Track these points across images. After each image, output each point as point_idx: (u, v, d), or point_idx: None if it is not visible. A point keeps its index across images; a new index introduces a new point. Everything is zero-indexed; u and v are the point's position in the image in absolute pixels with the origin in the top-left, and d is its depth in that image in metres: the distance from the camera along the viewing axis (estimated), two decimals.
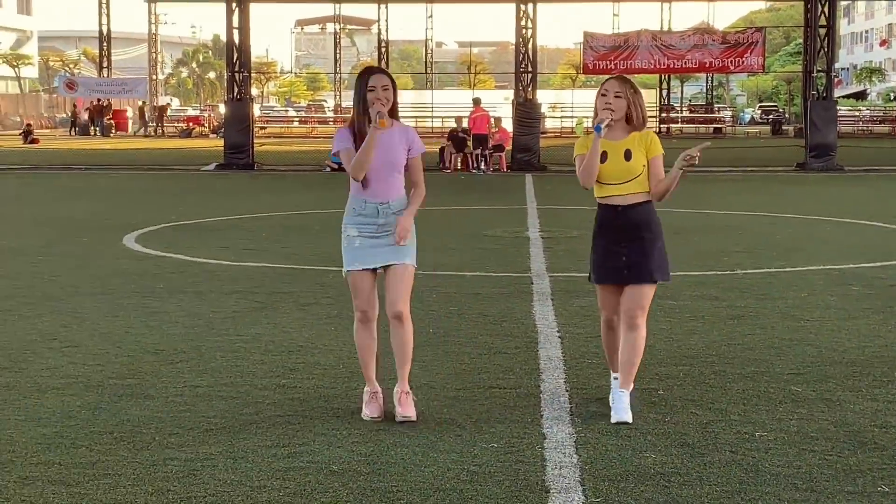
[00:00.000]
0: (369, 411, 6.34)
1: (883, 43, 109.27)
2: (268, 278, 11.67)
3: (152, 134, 65.11)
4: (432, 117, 65.12)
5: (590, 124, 6.35)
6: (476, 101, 32.93)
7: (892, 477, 5.28)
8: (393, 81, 6.35)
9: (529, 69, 33.60)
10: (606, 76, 6.60)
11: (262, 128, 62.12)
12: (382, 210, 6.32)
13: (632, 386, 6.41)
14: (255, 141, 34.85)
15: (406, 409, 6.27)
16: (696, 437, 5.96)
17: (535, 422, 6.25)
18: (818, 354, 7.98)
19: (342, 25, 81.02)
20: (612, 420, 6.20)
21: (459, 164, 32.08)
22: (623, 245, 6.36)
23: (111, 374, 7.40)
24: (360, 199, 6.36)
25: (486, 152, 31.82)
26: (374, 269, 6.39)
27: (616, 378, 6.51)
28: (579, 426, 6.16)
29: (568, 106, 65.38)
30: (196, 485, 5.19)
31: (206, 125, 66.23)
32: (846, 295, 10.54)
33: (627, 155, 6.34)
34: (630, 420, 6.19)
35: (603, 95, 6.37)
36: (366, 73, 6.36)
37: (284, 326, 9.04)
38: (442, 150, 32.90)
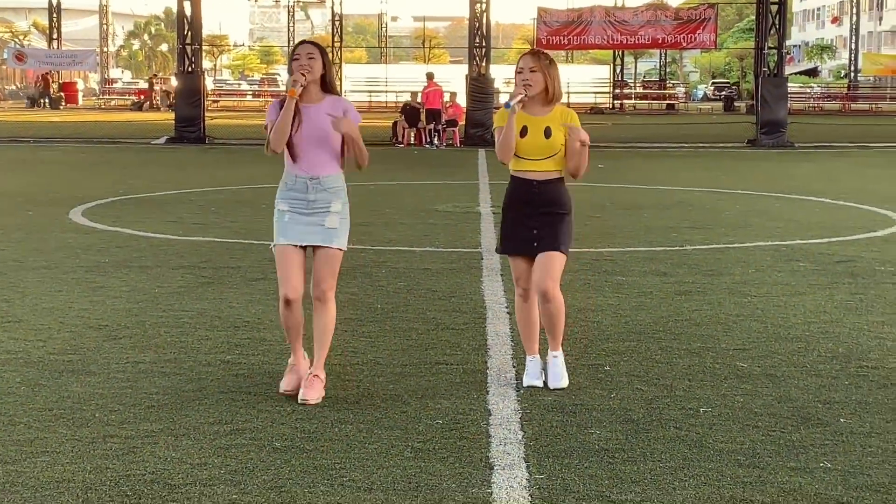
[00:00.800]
0: (284, 383, 6.28)
1: (834, 20, 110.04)
2: (215, 253, 11.56)
3: (102, 106, 64.41)
4: (386, 91, 64.95)
5: (514, 103, 6.25)
6: (429, 76, 32.86)
7: (835, 453, 5.30)
8: (322, 52, 6.25)
9: (483, 44, 33.49)
10: (524, 53, 6.52)
11: (214, 101, 61.60)
12: (312, 185, 6.21)
13: (560, 346, 6.50)
14: (207, 115, 34.56)
15: (308, 391, 6.10)
16: (641, 413, 5.96)
17: (481, 398, 6.23)
18: (764, 330, 8.01)
19: None
20: (550, 386, 6.32)
21: (413, 138, 31.99)
22: (535, 219, 6.36)
23: (52, 350, 7.29)
24: (291, 174, 6.27)
25: (440, 127, 31.77)
26: (303, 248, 6.28)
27: (532, 359, 6.52)
28: (525, 402, 6.14)
29: None
30: (136, 462, 5.12)
31: (155, 98, 65.19)
32: (793, 271, 10.60)
33: (547, 132, 6.31)
34: (566, 384, 6.35)
35: (519, 72, 6.33)
36: (296, 45, 6.35)
37: (231, 302, 8.96)
38: (395, 124, 32.79)
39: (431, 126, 31.47)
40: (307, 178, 6.22)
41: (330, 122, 6.17)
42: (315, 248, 6.27)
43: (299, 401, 6.07)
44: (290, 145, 6.20)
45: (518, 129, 6.33)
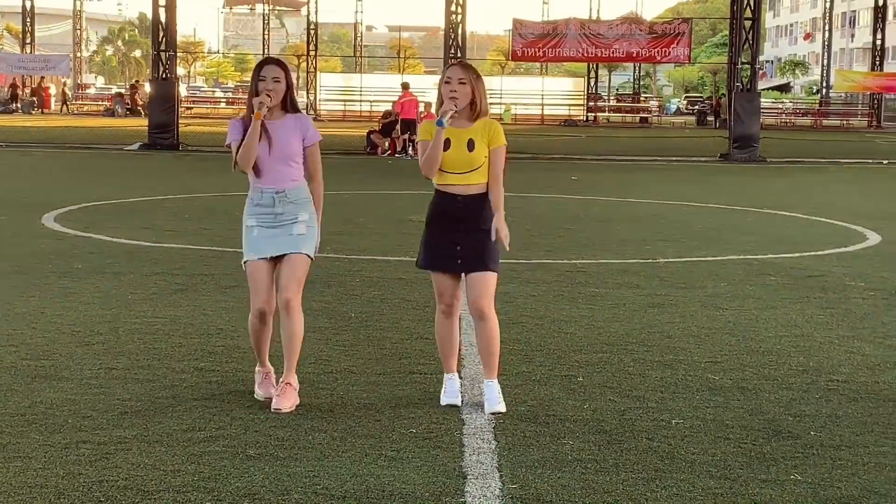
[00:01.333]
0: (263, 391, 6.34)
1: (807, 37, 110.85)
2: (189, 260, 11.54)
3: (75, 112, 64.12)
4: (361, 101, 64.91)
5: (445, 120, 6.08)
6: (405, 86, 32.91)
7: (805, 465, 5.34)
8: (287, 72, 6.35)
9: (459, 54, 33.57)
10: (452, 64, 6.45)
11: (188, 108, 61.46)
12: (278, 199, 6.29)
13: (497, 374, 6.27)
14: (181, 121, 34.48)
15: (281, 400, 6.11)
16: (614, 423, 5.99)
17: (455, 407, 6.24)
18: (736, 343, 8.06)
19: (271, 7, 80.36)
20: (486, 412, 6.09)
21: (388, 147, 32.00)
22: (458, 234, 6.19)
23: (24, 356, 7.26)
24: (257, 189, 6.34)
25: (414, 137, 31.82)
26: (273, 260, 6.30)
27: (451, 377, 6.38)
28: (498, 413, 6.15)
29: (497, 92, 65.54)
30: (109, 468, 5.10)
31: (128, 104, 64.93)
32: (765, 285, 10.67)
33: (470, 145, 6.15)
34: (503, 409, 6.11)
35: (447, 83, 6.16)
36: (259, 65, 6.38)
37: (204, 309, 8.95)
38: (369, 133, 32.79)
39: (406, 136, 31.47)
40: (273, 191, 6.29)
41: (293, 139, 6.28)
42: (281, 258, 6.30)
43: (272, 410, 6.07)
44: (255, 161, 6.28)
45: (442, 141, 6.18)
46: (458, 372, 6.56)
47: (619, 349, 7.79)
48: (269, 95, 6.21)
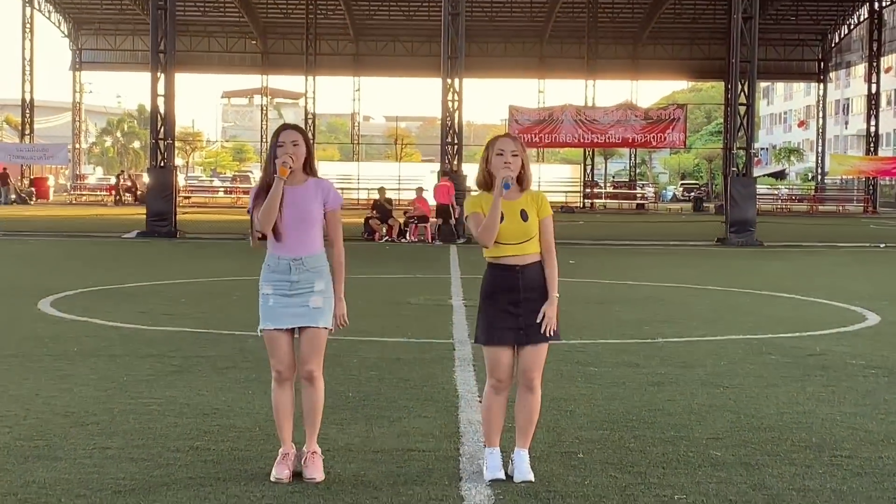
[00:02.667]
0: (277, 472, 6.20)
1: (801, 124, 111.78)
2: (185, 342, 11.48)
3: (73, 202, 64.34)
4: (358, 189, 65.23)
5: (511, 183, 6.18)
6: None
7: None
8: (305, 136, 6.33)
9: (455, 141, 33.81)
10: (496, 136, 6.48)
11: (186, 197, 61.70)
12: (295, 267, 6.25)
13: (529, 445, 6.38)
14: (179, 210, 34.58)
15: (312, 470, 6.18)
16: (615, 500, 5.90)
17: (454, 484, 6.15)
18: (737, 420, 7.98)
19: (269, 98, 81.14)
20: (517, 480, 6.17)
21: (385, 233, 32.13)
22: (519, 306, 6.23)
23: (18, 436, 7.18)
24: (274, 256, 6.30)
25: (411, 222, 32.25)
26: (290, 329, 6.29)
27: (492, 452, 6.33)
28: (498, 488, 6.07)
29: None
30: None
31: (121, 191, 65.05)
32: (765, 363, 10.61)
33: (524, 215, 6.25)
34: (533, 478, 6.18)
35: (499, 155, 6.25)
36: (278, 131, 6.36)
37: (200, 389, 8.87)
38: (367, 220, 32.91)
39: (440, 221, 31.99)
40: (290, 259, 6.25)
41: (314, 204, 6.24)
42: (300, 328, 6.27)
43: (306, 480, 6.10)
44: (274, 226, 6.23)
45: None
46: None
47: (620, 426, 7.71)
48: (291, 157, 6.18)
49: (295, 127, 6.41)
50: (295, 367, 6.34)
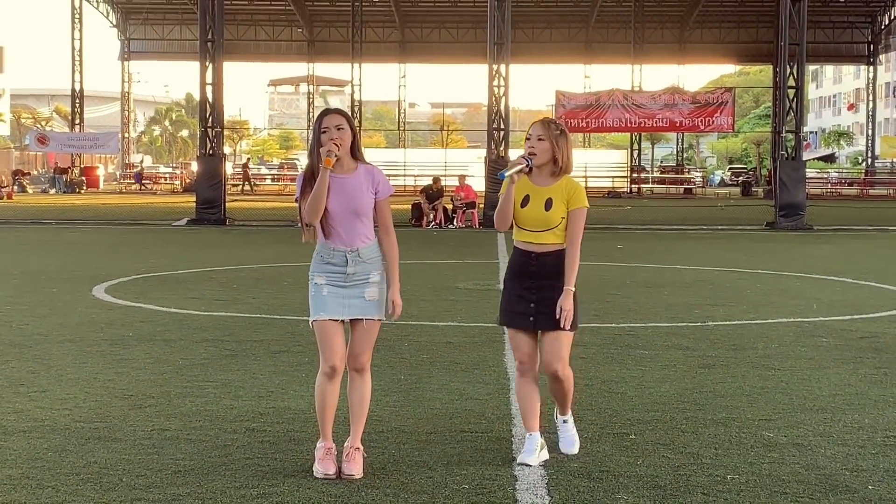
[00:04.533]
0: (323, 468, 5.98)
1: (851, 107, 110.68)
2: (238, 327, 11.61)
3: (123, 191, 64.97)
4: (405, 175, 65.36)
5: (508, 172, 6.15)
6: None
7: None
8: (349, 120, 6.10)
9: (502, 127, 33.80)
10: (537, 120, 6.35)
11: (234, 185, 62.13)
12: (352, 258, 6.05)
13: (570, 412, 6.48)
14: (227, 198, 34.85)
15: (352, 465, 5.98)
16: (668, 479, 5.94)
17: (507, 464, 6.22)
18: (789, 402, 7.98)
19: (315, 86, 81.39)
20: (563, 451, 6.32)
21: (433, 218, 32.22)
22: (533, 291, 6.18)
23: (78, 418, 7.32)
24: (328, 247, 6.09)
25: (460, 209, 32.41)
26: (342, 321, 6.11)
27: (531, 436, 6.25)
28: (551, 469, 6.12)
29: None
30: None
31: (179, 182, 66.30)
32: (816, 346, 10.58)
33: (548, 204, 6.13)
34: (577, 450, 6.37)
35: (528, 139, 6.20)
36: (321, 116, 6.14)
37: (254, 373, 8.99)
38: (415, 206, 33.01)
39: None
40: (346, 250, 6.06)
41: (364, 194, 6.06)
42: (353, 319, 6.12)
43: (344, 476, 5.92)
44: (323, 218, 6.03)
45: (521, 197, 6.19)
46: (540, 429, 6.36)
47: (671, 408, 7.73)
48: (336, 144, 5.99)
49: (338, 111, 6.17)
50: (345, 362, 6.12)
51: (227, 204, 33.70)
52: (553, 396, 6.44)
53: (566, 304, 6.15)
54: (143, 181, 67.92)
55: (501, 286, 6.47)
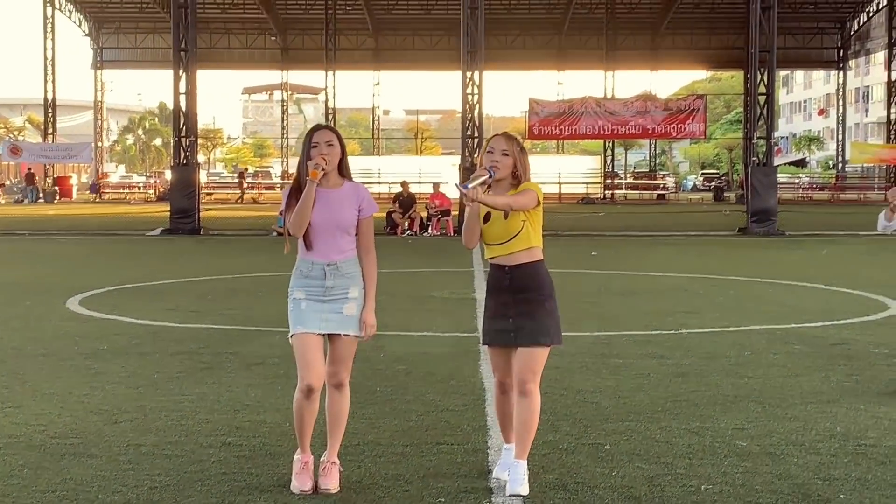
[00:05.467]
0: (299, 483, 5.98)
1: (821, 112, 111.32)
2: (214, 339, 11.61)
3: (96, 200, 64.69)
4: (379, 183, 65.34)
5: (470, 186, 5.82)
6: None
7: None
8: (339, 137, 6.16)
9: (476, 134, 33.88)
10: (495, 134, 6.17)
11: (208, 194, 61.98)
12: (330, 271, 6.06)
13: (527, 456, 6.05)
14: (202, 206, 34.76)
15: (328, 479, 5.99)
16: (643, 490, 5.99)
17: (482, 477, 6.25)
18: (762, 410, 8.05)
19: (289, 93, 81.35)
20: (507, 492, 5.87)
21: (408, 226, 32.27)
22: (510, 307, 6.07)
23: (53, 434, 7.31)
24: (307, 261, 6.10)
25: (434, 216, 32.44)
26: (321, 335, 6.10)
27: (508, 448, 6.23)
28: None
29: None
30: None
31: (153, 191, 66.17)
32: (789, 353, 10.66)
33: (505, 213, 6.03)
34: (526, 492, 5.85)
35: (489, 152, 6.04)
36: (312, 131, 6.20)
37: (230, 386, 8.99)
38: (389, 214, 33.03)
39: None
40: (324, 263, 6.07)
41: (348, 209, 6.09)
42: (331, 335, 6.12)
43: (321, 491, 5.93)
44: (306, 230, 6.06)
45: (483, 214, 6.07)
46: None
47: (646, 417, 7.79)
48: (324, 159, 6.01)
49: (328, 127, 6.23)
50: (323, 378, 6.09)
51: (201, 213, 33.62)
52: (515, 423, 6.10)
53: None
54: (100, 191, 67.36)
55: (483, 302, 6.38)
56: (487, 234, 6.12)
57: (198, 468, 6.44)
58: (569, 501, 5.76)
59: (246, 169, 75.94)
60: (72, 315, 13.74)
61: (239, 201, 61.82)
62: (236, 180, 68.96)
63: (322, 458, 6.16)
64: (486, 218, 6.08)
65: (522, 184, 6.09)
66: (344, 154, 6.17)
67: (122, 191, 71.45)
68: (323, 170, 5.99)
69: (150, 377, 9.41)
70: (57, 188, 64.11)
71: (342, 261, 6.10)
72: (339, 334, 6.10)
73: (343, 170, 6.17)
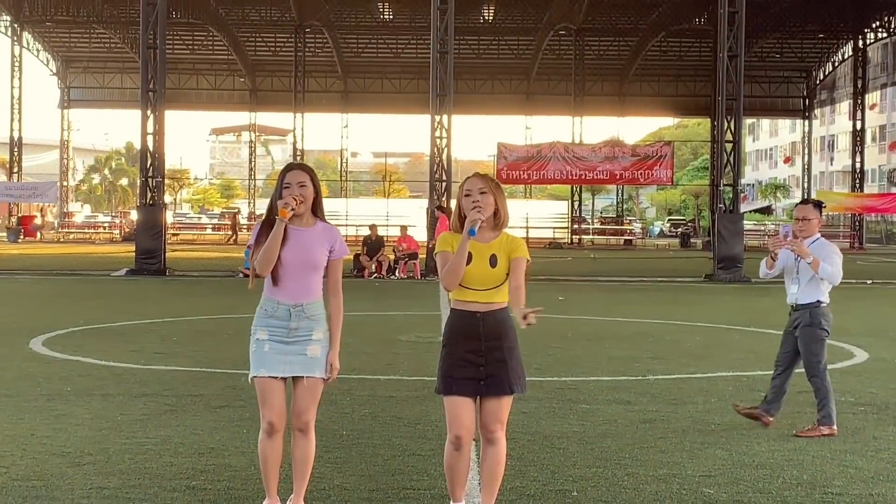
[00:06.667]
0: None
1: (787, 160, 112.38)
2: (178, 381, 11.51)
3: (61, 240, 64.29)
4: (346, 225, 65.33)
5: (477, 229, 5.73)
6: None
7: None
8: (314, 177, 6.09)
9: (444, 178, 33.95)
10: (469, 177, 6.03)
11: (174, 234, 61.78)
12: (295, 313, 5.99)
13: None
14: (168, 247, 34.60)
15: None
16: None
17: None
18: (729, 458, 8.05)
19: (258, 134, 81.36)
20: None
21: (374, 269, 32.22)
22: (480, 355, 5.83)
23: (15, 476, 7.21)
24: (272, 300, 6.02)
25: (402, 259, 32.38)
26: (283, 378, 6.04)
27: None
28: None
29: None
30: None
31: (118, 232, 65.90)
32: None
33: (493, 261, 5.84)
34: None
35: (467, 195, 5.89)
36: (285, 170, 6.14)
37: (195, 429, 8.90)
38: (357, 256, 32.98)
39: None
40: (290, 305, 6.00)
41: (319, 250, 6.03)
42: (295, 377, 6.04)
43: None
44: (275, 268, 5.98)
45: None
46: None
47: (612, 464, 7.77)
48: (295, 199, 5.95)
49: (302, 166, 6.16)
50: (286, 418, 6.05)
51: (167, 254, 33.45)
52: (484, 472, 6.00)
53: (525, 311, 5.74)
54: (40, 230, 66.62)
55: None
56: (466, 278, 5.84)
57: None
58: None
59: (239, 210, 75.86)
60: (35, 356, 13.59)
61: (231, 242, 61.55)
62: (228, 222, 69.01)
63: (288, 503, 6.10)
64: (468, 260, 5.83)
65: (509, 240, 5.94)
66: (318, 194, 6.12)
67: (87, 230, 71.03)
68: (293, 209, 5.95)
69: (114, 419, 9.30)
70: (21, 227, 63.70)
71: (308, 303, 6.04)
72: (303, 376, 6.02)
73: (317, 209, 6.12)
